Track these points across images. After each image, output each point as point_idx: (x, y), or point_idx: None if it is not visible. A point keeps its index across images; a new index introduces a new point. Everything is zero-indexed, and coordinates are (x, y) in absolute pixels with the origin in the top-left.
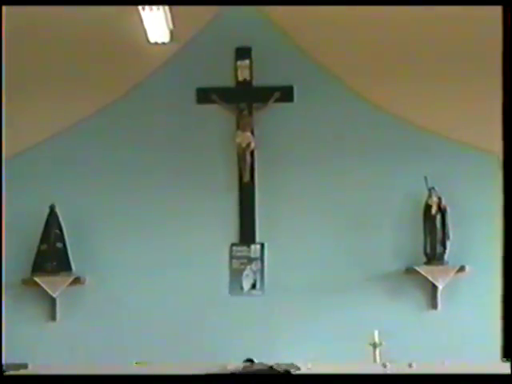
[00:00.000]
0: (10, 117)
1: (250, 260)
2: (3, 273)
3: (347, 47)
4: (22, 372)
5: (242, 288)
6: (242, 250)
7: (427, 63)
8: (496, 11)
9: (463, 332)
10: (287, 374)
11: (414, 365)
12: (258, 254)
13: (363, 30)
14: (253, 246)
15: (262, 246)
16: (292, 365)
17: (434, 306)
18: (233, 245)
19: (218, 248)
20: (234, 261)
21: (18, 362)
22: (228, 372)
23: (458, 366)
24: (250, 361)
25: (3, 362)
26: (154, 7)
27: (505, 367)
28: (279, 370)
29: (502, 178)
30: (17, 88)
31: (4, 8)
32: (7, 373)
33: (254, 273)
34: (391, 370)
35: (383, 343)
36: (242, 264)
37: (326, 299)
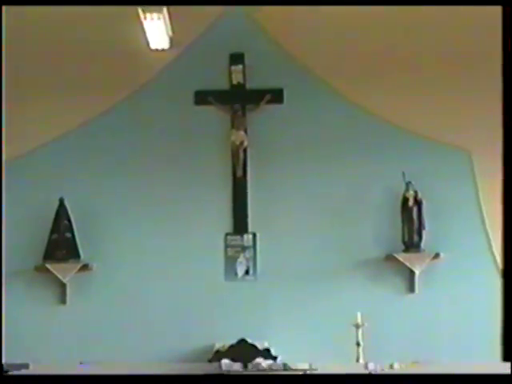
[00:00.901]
0: (21, 117)
1: (244, 248)
2: (2, 267)
3: (332, 53)
4: (22, 372)
5: (236, 274)
6: (235, 239)
7: (406, 68)
8: (476, 14)
9: (438, 313)
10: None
11: (395, 366)
12: (250, 243)
13: (348, 37)
14: (246, 236)
15: (254, 235)
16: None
17: (412, 289)
18: (227, 234)
19: (214, 237)
20: (228, 249)
21: (28, 349)
22: (226, 372)
23: (457, 366)
24: (244, 340)
25: (6, 360)
26: (155, 16)
27: (505, 367)
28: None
29: (502, 178)
30: (28, 91)
31: (10, 11)
32: (8, 373)
33: (247, 260)
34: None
35: (365, 324)
36: (236, 252)
37: (313, 284)
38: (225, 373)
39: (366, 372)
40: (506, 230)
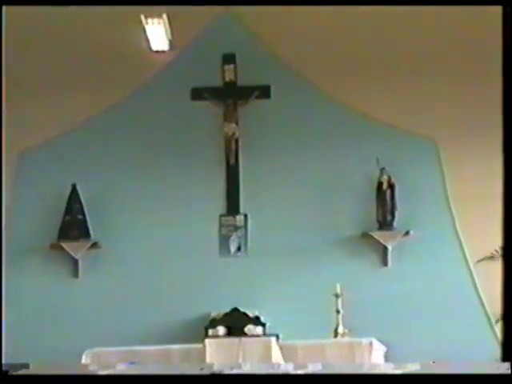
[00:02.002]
0: (37, 111)
1: (236, 228)
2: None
3: (314, 53)
4: (23, 372)
5: (229, 251)
6: (229, 220)
7: (381, 66)
8: (446, 12)
9: (408, 283)
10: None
11: (374, 342)
12: (242, 223)
13: (327, 39)
14: (238, 217)
15: (246, 216)
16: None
17: (385, 263)
18: (221, 215)
19: (210, 218)
20: (222, 229)
21: (46, 314)
22: (226, 373)
23: (457, 366)
24: (236, 309)
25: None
26: (156, 21)
27: (505, 367)
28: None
29: (502, 177)
30: (44, 87)
31: (24, 14)
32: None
33: (239, 238)
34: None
35: (344, 294)
36: (229, 231)
37: (297, 259)
38: (217, 373)
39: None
40: (506, 230)
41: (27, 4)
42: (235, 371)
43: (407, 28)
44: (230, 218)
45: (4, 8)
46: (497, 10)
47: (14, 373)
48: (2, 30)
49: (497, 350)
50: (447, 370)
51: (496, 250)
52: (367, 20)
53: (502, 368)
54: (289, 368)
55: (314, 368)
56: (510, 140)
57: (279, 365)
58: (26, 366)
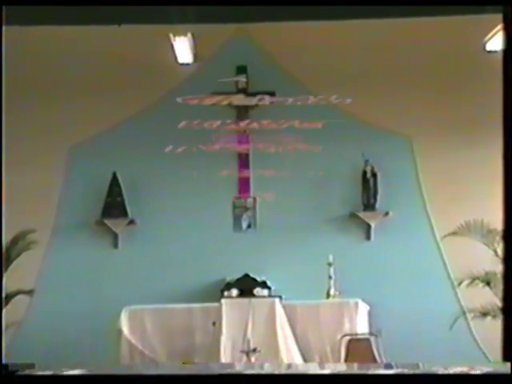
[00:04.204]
0: (86, 113)
1: (246, 209)
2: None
3: (312, 66)
4: (27, 372)
5: (241, 227)
6: (240, 202)
7: (368, 76)
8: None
9: (387, 254)
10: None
11: (359, 302)
12: (251, 205)
13: (324, 53)
14: (248, 200)
15: (255, 199)
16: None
17: (368, 238)
18: (235, 198)
19: (225, 200)
20: (235, 209)
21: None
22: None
23: (457, 367)
24: (247, 275)
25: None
26: (182, 39)
27: (505, 367)
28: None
29: (503, 178)
30: (88, 95)
31: (76, 34)
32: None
33: (249, 217)
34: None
35: (335, 263)
36: (241, 211)
37: (297, 234)
38: (225, 373)
39: None
40: (506, 232)
41: (27, 4)
42: (246, 371)
43: (392, 43)
44: (242, 200)
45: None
46: (465, 24)
47: (20, 373)
48: (2, 32)
49: (457, 307)
50: (447, 370)
51: (458, 227)
52: (356, 38)
53: (502, 368)
54: (307, 368)
55: (332, 368)
56: (510, 141)
57: (294, 365)
58: (31, 366)
